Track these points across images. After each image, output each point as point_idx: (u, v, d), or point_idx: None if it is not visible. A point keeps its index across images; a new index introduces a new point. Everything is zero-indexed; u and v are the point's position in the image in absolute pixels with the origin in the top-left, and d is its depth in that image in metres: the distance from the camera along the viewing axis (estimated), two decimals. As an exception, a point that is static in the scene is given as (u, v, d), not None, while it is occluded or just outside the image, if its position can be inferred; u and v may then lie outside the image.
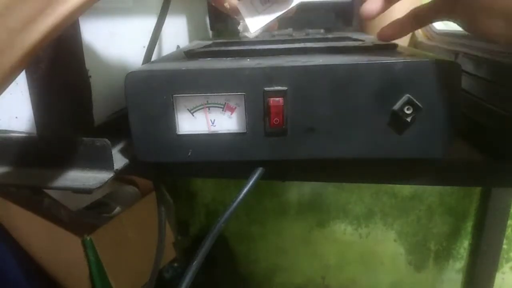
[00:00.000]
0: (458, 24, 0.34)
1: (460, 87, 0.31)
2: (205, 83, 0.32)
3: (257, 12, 0.36)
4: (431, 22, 0.39)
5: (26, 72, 0.37)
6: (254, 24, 0.36)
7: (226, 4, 0.36)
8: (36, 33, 0.25)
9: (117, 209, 0.86)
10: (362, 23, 0.69)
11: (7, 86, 0.27)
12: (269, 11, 0.36)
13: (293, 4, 0.36)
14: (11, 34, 0.24)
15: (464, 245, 0.96)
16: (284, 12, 0.36)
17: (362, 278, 1.04)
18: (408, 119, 0.31)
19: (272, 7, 0.36)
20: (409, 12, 0.37)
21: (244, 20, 0.36)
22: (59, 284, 0.81)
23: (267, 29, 0.37)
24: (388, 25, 0.39)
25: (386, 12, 0.40)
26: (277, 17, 0.36)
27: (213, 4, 0.37)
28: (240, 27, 0.36)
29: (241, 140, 0.34)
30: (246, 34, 0.36)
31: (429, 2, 0.36)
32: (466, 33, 0.34)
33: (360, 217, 0.99)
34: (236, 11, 0.36)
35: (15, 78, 0.27)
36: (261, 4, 0.36)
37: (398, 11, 0.39)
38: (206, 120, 0.34)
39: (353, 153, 0.33)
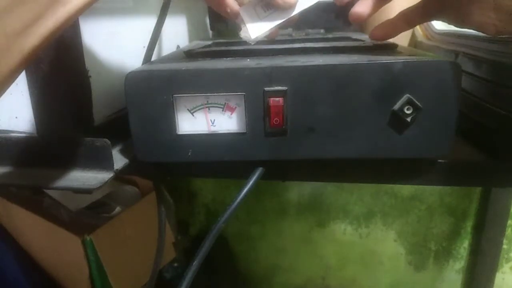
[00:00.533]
0: (448, 21, 0.34)
1: (460, 87, 0.31)
2: (205, 83, 0.33)
3: (258, 18, 0.36)
4: (421, 22, 0.39)
5: (26, 72, 0.37)
6: (255, 30, 0.36)
7: (228, 9, 0.36)
8: (36, 36, 0.25)
9: (117, 209, 0.86)
10: (362, 23, 0.69)
11: (6, 89, 0.27)
12: (271, 18, 0.36)
13: (295, 12, 0.36)
14: (10, 38, 0.24)
15: (464, 245, 0.96)
16: (286, 20, 0.36)
17: (362, 278, 1.04)
18: (408, 119, 0.31)
19: (274, 14, 0.36)
20: (399, 13, 0.37)
21: (245, 25, 0.36)
22: (59, 284, 0.81)
23: (268, 35, 0.37)
24: (380, 25, 0.39)
25: (386, 12, 0.40)
26: (278, 24, 0.36)
27: (214, 8, 0.37)
28: (241, 33, 0.36)
29: (241, 140, 0.34)
30: (246, 39, 0.36)
31: (417, 3, 0.36)
32: (466, 33, 0.34)
33: (360, 217, 0.99)
34: (237, 15, 0.36)
35: (14, 81, 0.27)
36: (263, 11, 0.36)
37: (401, 7, 0.38)
38: (206, 120, 0.34)
39: (353, 153, 0.33)
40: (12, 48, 0.24)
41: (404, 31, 0.38)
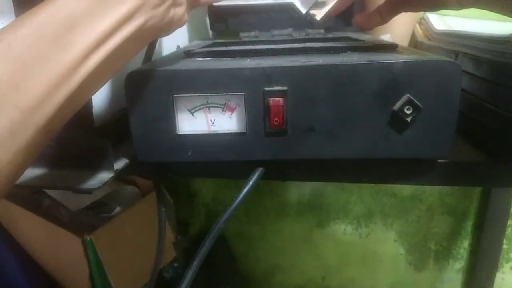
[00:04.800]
0: (414, 10, 0.39)
1: (460, 87, 0.31)
2: (205, 83, 0.33)
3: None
4: (392, 16, 0.42)
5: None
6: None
7: None
8: (50, 108, 0.24)
9: (117, 209, 0.86)
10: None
11: (28, 165, 0.26)
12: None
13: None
14: (25, 113, 0.23)
15: (464, 245, 0.96)
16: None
17: (362, 278, 1.04)
18: (408, 119, 0.31)
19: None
20: (376, 8, 0.42)
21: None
22: (59, 284, 0.81)
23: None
24: (360, 15, 0.43)
25: None
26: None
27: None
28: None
29: (241, 140, 0.34)
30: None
31: None
32: (466, 33, 0.34)
33: (360, 217, 0.99)
34: None
35: (36, 155, 0.26)
36: None
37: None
38: (206, 120, 0.34)
39: (353, 153, 0.33)
40: (28, 122, 0.23)
41: (379, 25, 0.43)
